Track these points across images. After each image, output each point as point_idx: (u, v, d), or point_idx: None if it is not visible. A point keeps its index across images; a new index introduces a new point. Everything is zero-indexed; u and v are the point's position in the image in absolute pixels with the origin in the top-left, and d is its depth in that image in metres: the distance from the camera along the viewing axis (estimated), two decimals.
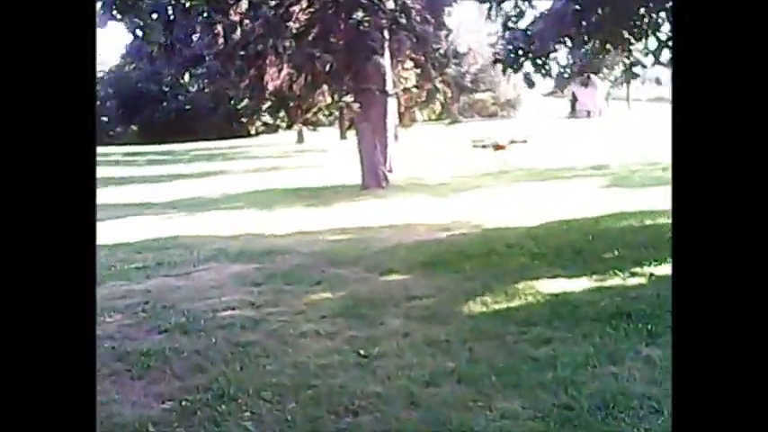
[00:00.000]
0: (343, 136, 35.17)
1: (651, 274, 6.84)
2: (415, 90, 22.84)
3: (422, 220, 11.75)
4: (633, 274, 6.95)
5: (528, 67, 10.05)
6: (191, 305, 6.56)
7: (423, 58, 18.15)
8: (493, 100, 55.12)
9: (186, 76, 41.97)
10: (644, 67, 10.64)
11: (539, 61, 10.02)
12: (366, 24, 14.62)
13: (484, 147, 16.00)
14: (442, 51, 16.14)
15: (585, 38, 10.16)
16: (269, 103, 21.78)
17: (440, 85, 17.49)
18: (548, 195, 14.19)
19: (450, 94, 18.65)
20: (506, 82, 43.44)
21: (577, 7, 9.42)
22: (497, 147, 15.54)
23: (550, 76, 10.43)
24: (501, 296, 6.44)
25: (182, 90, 47.66)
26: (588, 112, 46.87)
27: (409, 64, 21.76)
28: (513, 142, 16.02)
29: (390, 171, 19.12)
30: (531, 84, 10.16)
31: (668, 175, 6.84)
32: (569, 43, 10.63)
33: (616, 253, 7.92)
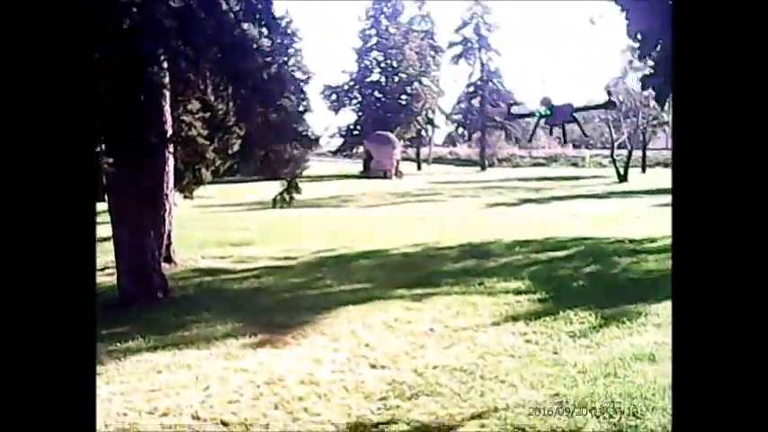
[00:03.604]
0: (101, 198, 26.66)
1: None
2: (201, 140, 16.35)
3: None
4: None
5: None
6: None
7: (222, 91, 12.02)
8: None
9: None
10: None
11: None
12: (139, 22, 7.93)
13: None
14: (272, 70, 9.37)
15: None
16: None
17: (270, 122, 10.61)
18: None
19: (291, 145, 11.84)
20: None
21: None
22: None
23: None
24: None
25: None
26: (385, 172, 43.00)
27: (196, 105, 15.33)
28: None
29: (171, 262, 12.52)
30: None
31: None
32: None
33: None
